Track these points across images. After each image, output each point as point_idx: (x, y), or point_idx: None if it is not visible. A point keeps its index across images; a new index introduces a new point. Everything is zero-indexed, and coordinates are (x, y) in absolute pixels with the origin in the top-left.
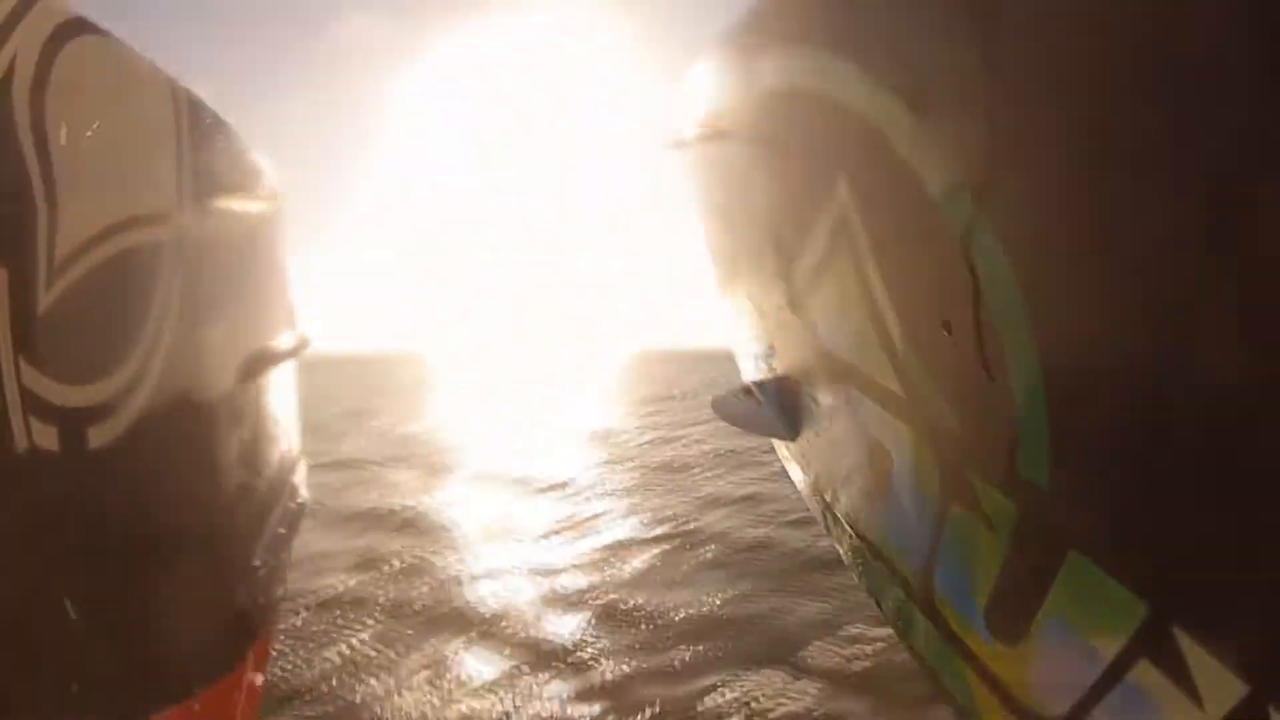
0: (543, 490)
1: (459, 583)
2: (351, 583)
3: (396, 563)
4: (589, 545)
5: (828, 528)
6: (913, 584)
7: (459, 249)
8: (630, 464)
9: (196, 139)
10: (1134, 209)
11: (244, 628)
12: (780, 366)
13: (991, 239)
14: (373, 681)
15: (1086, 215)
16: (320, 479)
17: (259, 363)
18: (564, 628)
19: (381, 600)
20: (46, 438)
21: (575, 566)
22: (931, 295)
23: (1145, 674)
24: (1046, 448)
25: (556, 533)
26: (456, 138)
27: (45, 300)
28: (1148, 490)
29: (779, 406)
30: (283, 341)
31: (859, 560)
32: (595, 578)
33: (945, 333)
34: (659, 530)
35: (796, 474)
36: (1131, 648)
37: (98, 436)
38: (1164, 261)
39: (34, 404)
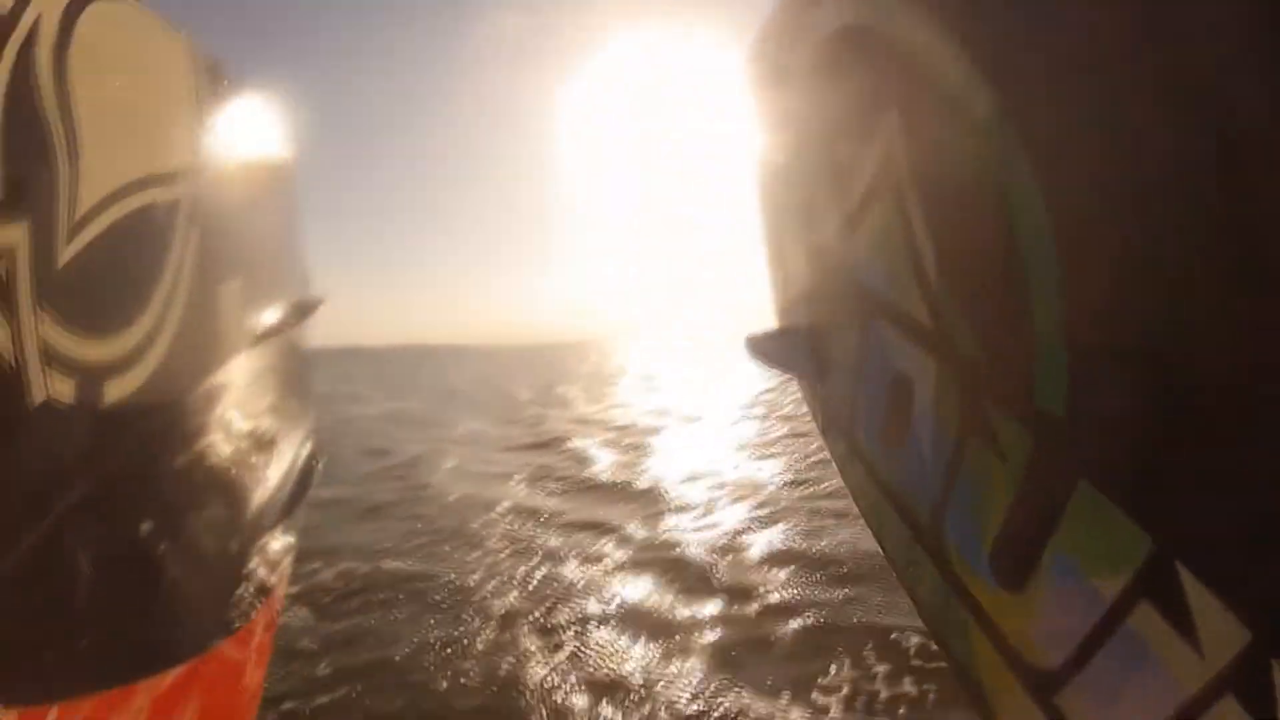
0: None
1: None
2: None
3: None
4: (781, 525)
5: (843, 470)
6: (922, 527)
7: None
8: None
9: (213, 100)
10: (1164, 147)
11: (255, 585)
12: (816, 309)
13: (1025, 170)
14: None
15: (1116, 149)
16: (527, 459)
17: (273, 322)
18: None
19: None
20: (64, 390)
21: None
22: (965, 224)
23: (1145, 618)
24: (1065, 375)
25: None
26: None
27: (65, 254)
28: (1162, 421)
29: (809, 347)
30: (296, 303)
31: (871, 503)
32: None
33: (976, 261)
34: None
35: (818, 415)
36: (1133, 587)
37: (114, 390)
38: (1192, 197)
39: (53, 356)
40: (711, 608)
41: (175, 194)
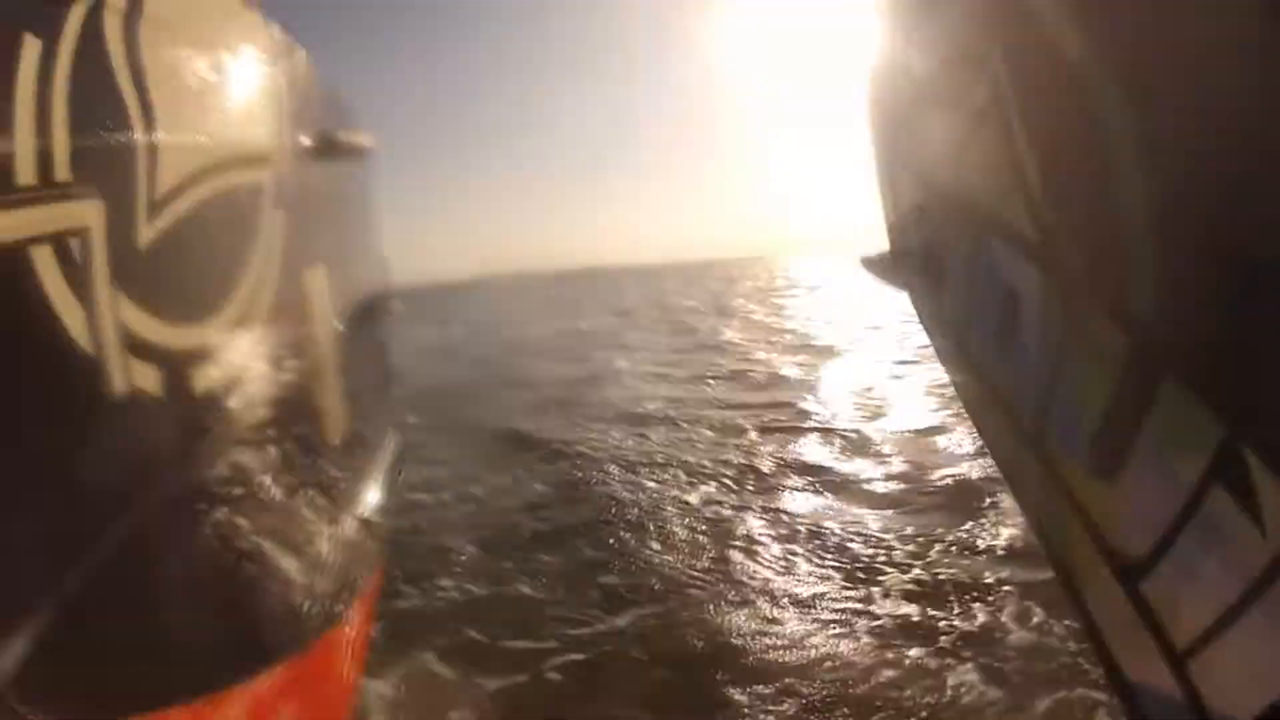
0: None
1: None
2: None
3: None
4: None
5: (953, 375)
6: (1027, 424)
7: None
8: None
9: (295, 83)
10: (1246, 67)
11: (349, 582)
12: (929, 227)
13: (1117, 97)
14: None
15: (1199, 71)
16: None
17: (359, 309)
18: None
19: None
20: (148, 379)
21: None
22: (1066, 149)
23: (1220, 501)
24: (1153, 282)
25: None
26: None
27: (146, 234)
28: (1237, 320)
29: (920, 264)
30: (378, 289)
31: (979, 404)
32: None
33: (1075, 181)
34: None
35: (929, 327)
36: (1210, 472)
37: (203, 380)
38: (1272, 109)
39: (134, 343)
40: None
41: (260, 177)
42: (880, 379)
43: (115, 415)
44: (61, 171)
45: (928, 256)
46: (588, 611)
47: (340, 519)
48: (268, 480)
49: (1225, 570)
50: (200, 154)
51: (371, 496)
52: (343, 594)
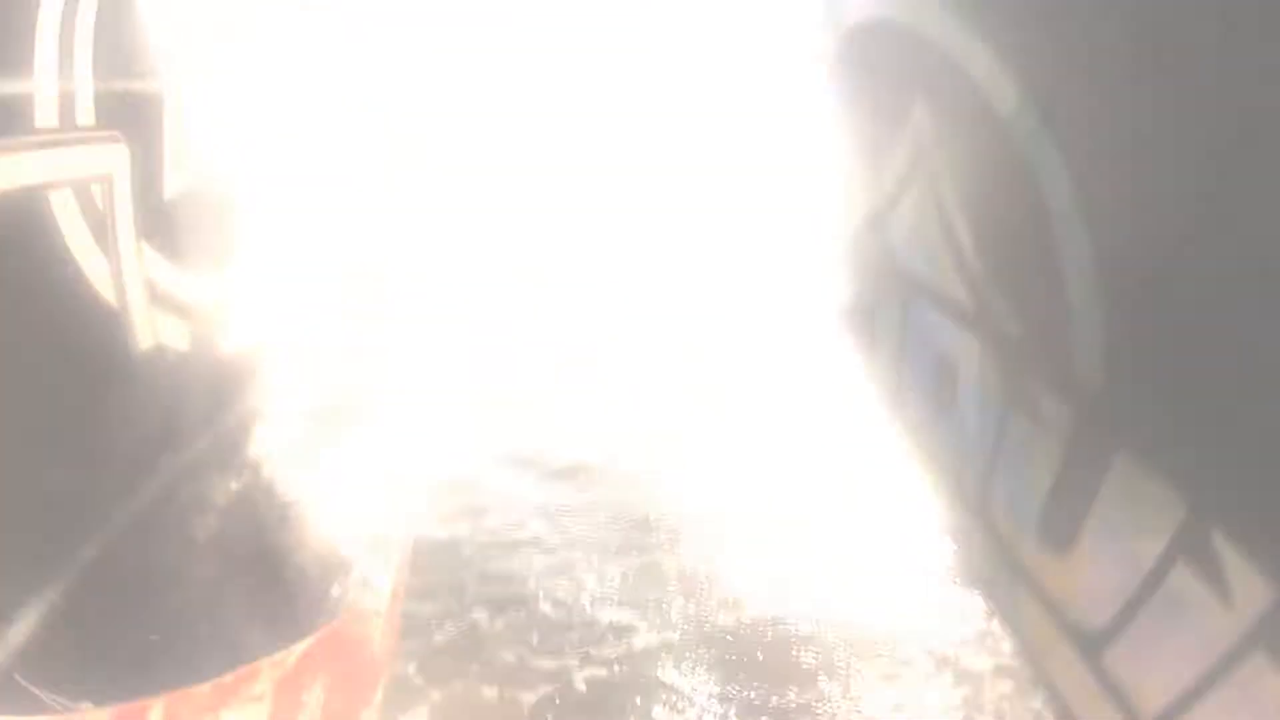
0: None
1: None
2: None
3: None
4: None
5: (894, 434)
6: (971, 495)
7: None
8: None
9: (323, 40)
10: (1185, 124)
11: (383, 549)
12: (857, 288)
13: (1054, 154)
14: None
15: (1140, 132)
16: None
17: (377, 268)
18: None
19: None
20: (176, 334)
21: None
22: (1000, 208)
23: (1182, 578)
24: (1101, 350)
25: None
26: None
27: (173, 183)
28: (1196, 391)
29: (853, 319)
30: (393, 247)
31: (922, 471)
32: None
33: (1010, 241)
34: None
35: (868, 391)
36: (1171, 548)
37: (227, 335)
38: (1210, 173)
39: (160, 297)
40: None
41: (287, 129)
42: None
43: (141, 371)
44: (84, 116)
45: (857, 313)
46: (607, 629)
47: (374, 490)
48: (293, 439)
49: (1193, 643)
50: (225, 105)
51: (404, 458)
52: (374, 561)
